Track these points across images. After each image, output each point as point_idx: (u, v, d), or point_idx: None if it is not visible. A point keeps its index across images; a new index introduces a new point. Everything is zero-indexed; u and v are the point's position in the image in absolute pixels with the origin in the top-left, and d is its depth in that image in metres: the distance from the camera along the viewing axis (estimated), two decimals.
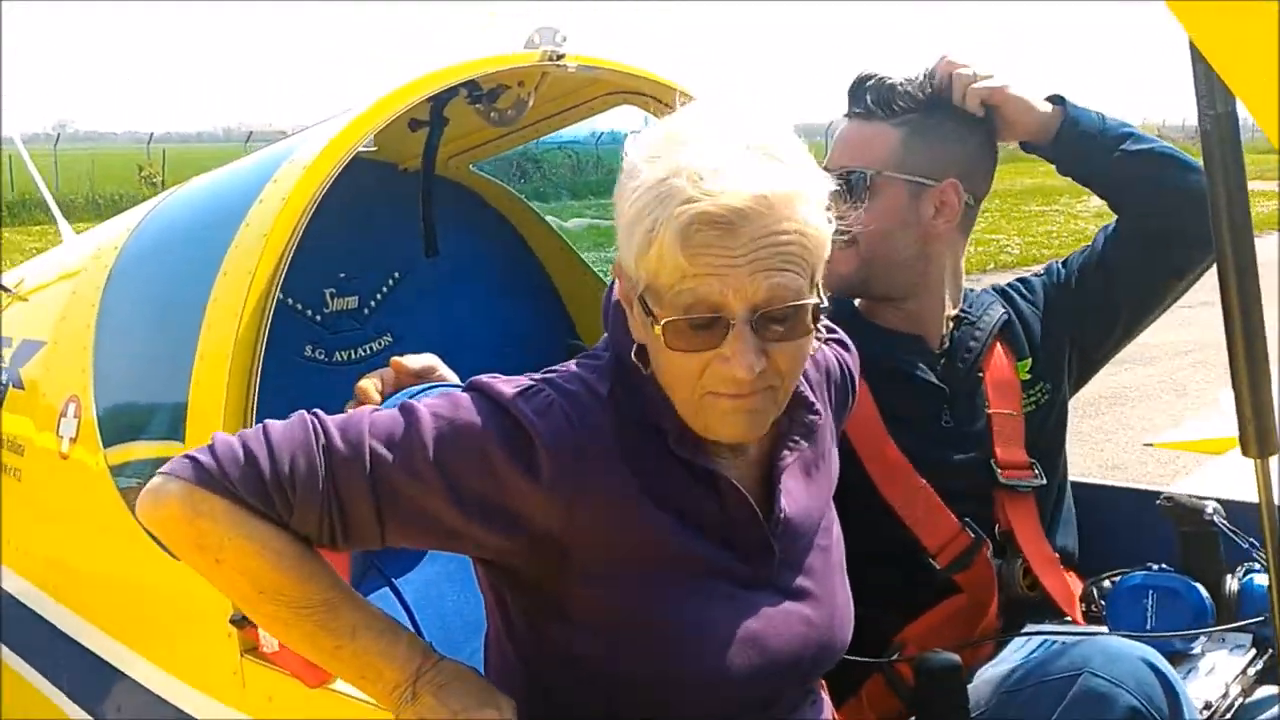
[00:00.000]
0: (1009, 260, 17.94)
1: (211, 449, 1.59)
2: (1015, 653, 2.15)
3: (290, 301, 2.96)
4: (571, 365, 1.73)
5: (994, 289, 2.59)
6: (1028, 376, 2.46)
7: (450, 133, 2.89)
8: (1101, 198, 2.51)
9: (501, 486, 1.61)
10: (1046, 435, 2.47)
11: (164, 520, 1.59)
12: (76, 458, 2.48)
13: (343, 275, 3.08)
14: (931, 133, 2.38)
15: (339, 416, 1.65)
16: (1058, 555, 2.39)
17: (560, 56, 2.50)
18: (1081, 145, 2.41)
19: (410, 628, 2.11)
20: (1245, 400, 1.05)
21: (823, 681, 1.87)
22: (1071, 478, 2.56)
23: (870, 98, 2.37)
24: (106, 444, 2.39)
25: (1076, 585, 2.41)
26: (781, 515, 1.73)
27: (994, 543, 2.33)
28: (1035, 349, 2.49)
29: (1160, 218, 2.38)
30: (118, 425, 2.41)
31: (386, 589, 2.09)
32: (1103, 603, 2.25)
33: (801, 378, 1.74)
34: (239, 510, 1.57)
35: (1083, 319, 2.53)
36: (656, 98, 2.70)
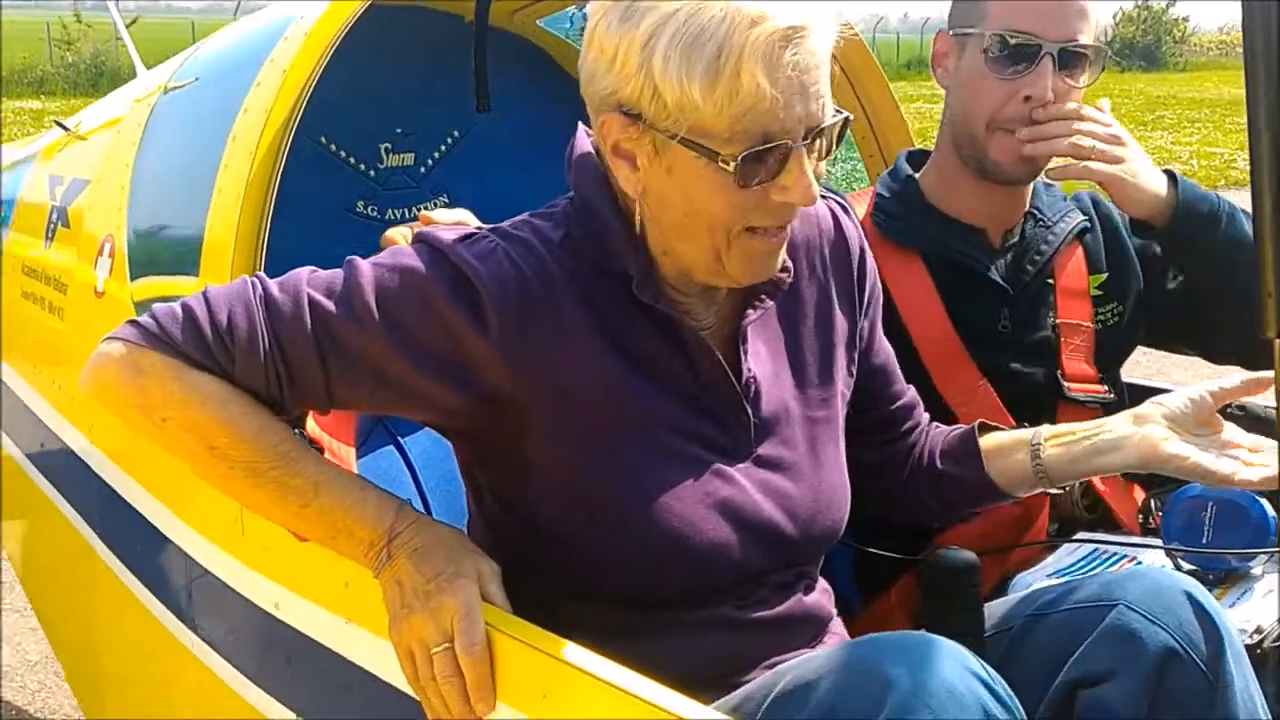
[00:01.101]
0: (1238, 177, 15.69)
1: (151, 313, 1.55)
2: (1056, 565, 2.02)
3: (343, 154, 2.88)
4: (524, 216, 1.63)
5: (1072, 194, 2.40)
6: (1099, 293, 2.26)
7: None
8: (1189, 277, 2.27)
9: (448, 335, 1.52)
10: (1113, 356, 2.28)
11: (107, 384, 1.55)
12: (109, 294, 2.46)
13: (400, 130, 2.98)
14: None
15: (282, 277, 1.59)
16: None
17: None
18: (1193, 228, 2.14)
19: (414, 486, 2.07)
20: (1270, 272, 0.90)
21: (818, 571, 1.76)
22: (1138, 380, 2.38)
23: None
24: (133, 278, 2.36)
25: (1140, 497, 2.26)
26: (751, 376, 1.62)
27: None
28: (1111, 266, 2.30)
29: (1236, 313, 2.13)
30: (143, 260, 2.38)
31: (391, 446, 2.04)
32: (1159, 514, 2.10)
33: None
34: (181, 365, 1.52)
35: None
36: None
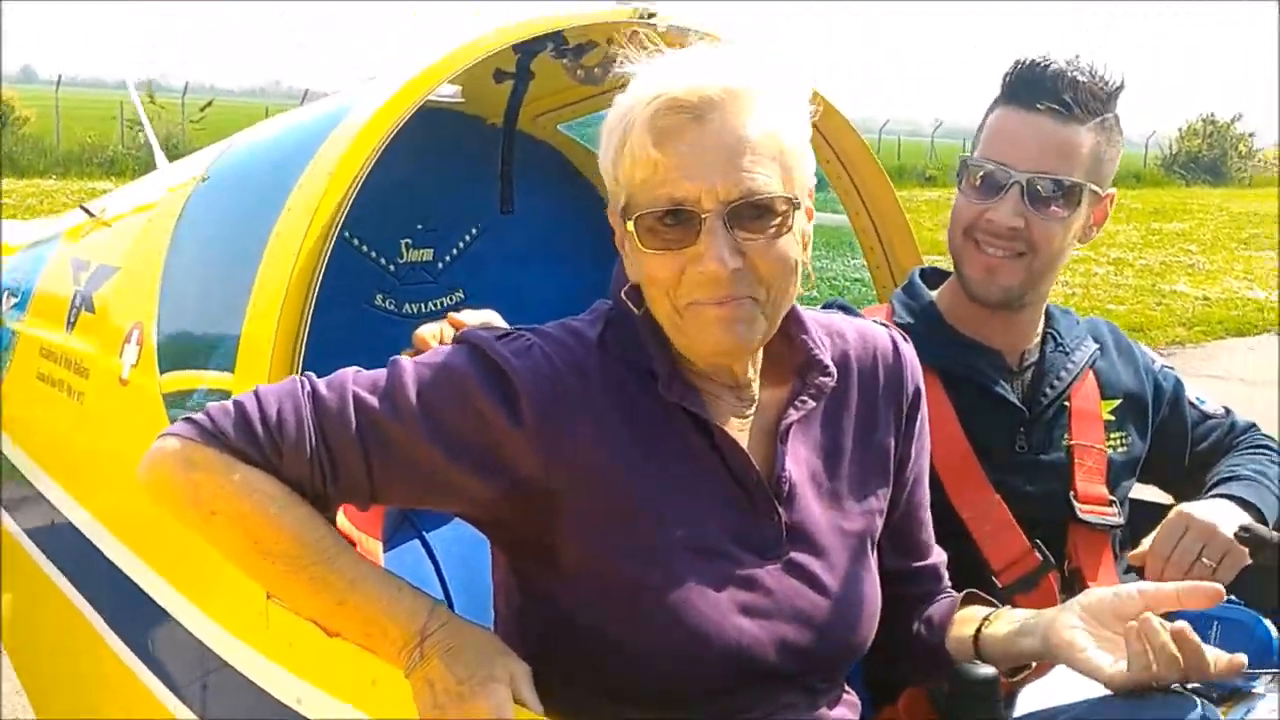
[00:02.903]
0: None
1: (205, 410, 1.61)
2: (1065, 687, 2.05)
3: (365, 248, 2.94)
4: (565, 319, 1.72)
5: (1085, 320, 2.48)
6: (1111, 418, 2.35)
7: (537, 89, 2.84)
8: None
9: (484, 429, 1.59)
10: (1122, 478, 2.36)
11: (160, 478, 1.60)
12: (134, 383, 2.49)
13: (420, 226, 3.06)
14: (1115, 136, 2.24)
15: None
16: None
17: (652, 15, 2.43)
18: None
19: (438, 582, 2.10)
20: None
21: (845, 685, 1.79)
22: (1149, 497, 2.44)
23: (1070, 94, 2.17)
24: (163, 370, 2.40)
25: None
26: (787, 478, 1.67)
27: (1062, 576, 2.23)
28: (1123, 395, 2.38)
29: None
30: (174, 353, 2.41)
31: (417, 541, 2.07)
32: None
33: (819, 341, 1.72)
34: (231, 459, 1.57)
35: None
36: None
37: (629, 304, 1.66)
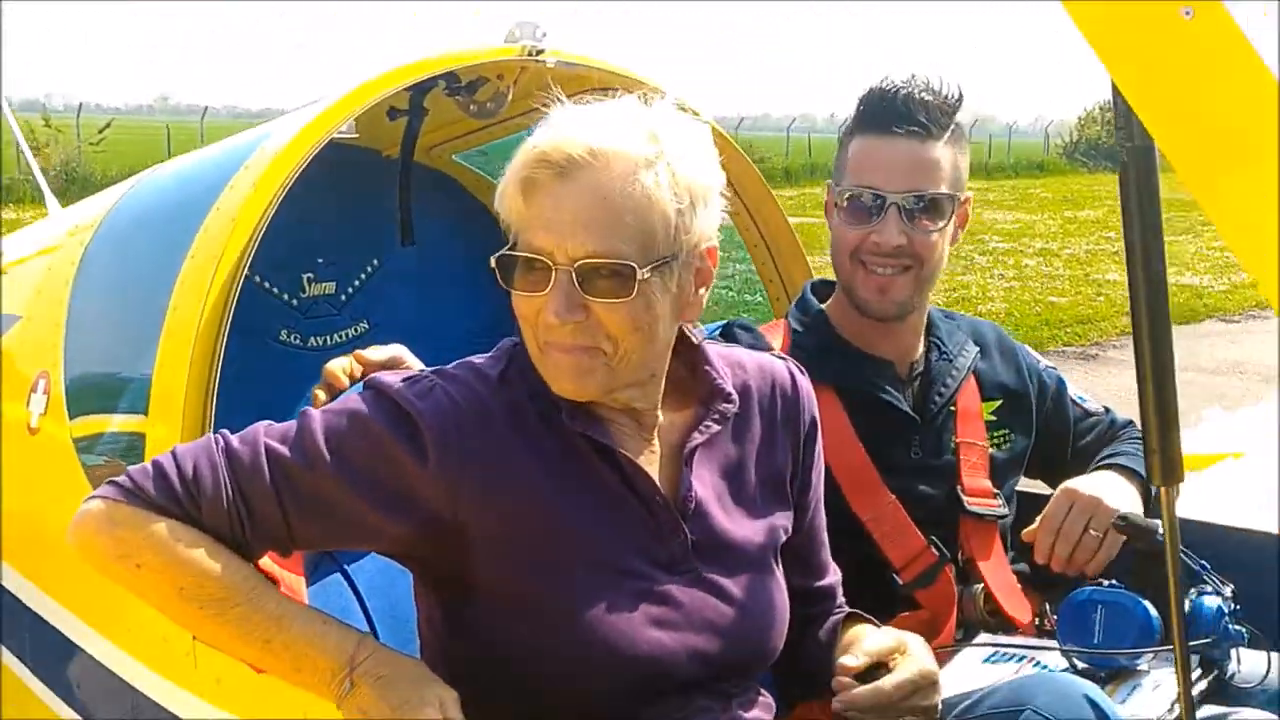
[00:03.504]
0: None
1: (127, 472, 1.69)
2: (962, 675, 2.16)
3: (266, 285, 2.96)
4: (467, 358, 1.81)
5: (963, 320, 2.62)
6: (993, 418, 2.49)
7: (431, 122, 2.90)
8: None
9: (392, 469, 1.67)
10: (1007, 474, 2.50)
11: (86, 537, 1.67)
12: (44, 431, 2.50)
13: (321, 260, 3.08)
14: (964, 143, 2.40)
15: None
16: (1017, 578, 2.41)
17: (540, 52, 2.51)
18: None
19: (361, 613, 2.15)
20: (1153, 431, 1.07)
21: (759, 688, 1.88)
22: (1033, 489, 2.58)
23: (923, 115, 2.30)
24: (72, 416, 2.42)
25: (1032, 604, 2.43)
26: (693, 497, 1.77)
27: (957, 568, 2.36)
28: (1005, 396, 2.52)
29: None
30: (84, 398, 2.44)
31: (338, 574, 2.12)
32: (1054, 617, 2.27)
33: (723, 371, 1.83)
34: (153, 515, 1.65)
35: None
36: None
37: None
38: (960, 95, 2.36)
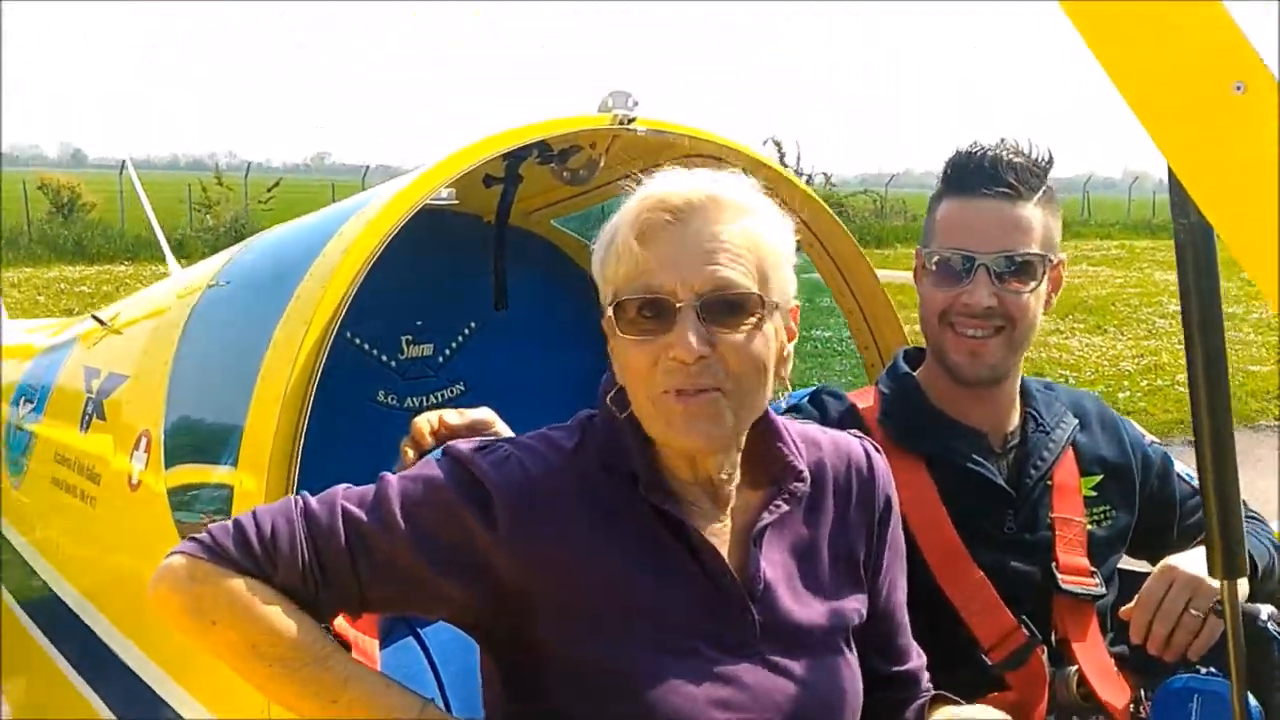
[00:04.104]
0: None
1: (208, 530, 1.72)
2: None
3: (366, 346, 3.03)
4: (542, 429, 1.81)
5: (1062, 391, 2.55)
6: (1093, 493, 2.41)
7: (527, 189, 2.94)
8: None
9: (463, 537, 1.68)
10: (1107, 552, 2.41)
11: (165, 593, 1.70)
12: (144, 485, 2.58)
13: (420, 322, 3.15)
14: (1055, 205, 2.36)
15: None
16: (1115, 660, 2.32)
17: (631, 120, 2.53)
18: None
19: (433, 677, 2.16)
20: (1214, 523, 1.02)
21: None
22: (1139, 568, 2.49)
23: (1013, 176, 2.28)
24: (168, 466, 2.49)
25: (1130, 689, 2.34)
26: (761, 577, 1.75)
27: (1049, 649, 2.28)
28: (1106, 471, 2.44)
29: None
30: (179, 451, 2.51)
31: (411, 638, 2.13)
32: (1149, 704, 2.18)
33: (796, 449, 1.81)
34: (230, 572, 1.68)
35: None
36: (726, 161, 2.71)
37: (613, 409, 1.75)
38: (1050, 158, 2.32)
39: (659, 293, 1.64)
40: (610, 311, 1.69)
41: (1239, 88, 0.89)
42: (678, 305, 1.63)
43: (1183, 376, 11.30)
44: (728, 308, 1.64)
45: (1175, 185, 1.02)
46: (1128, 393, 11.24)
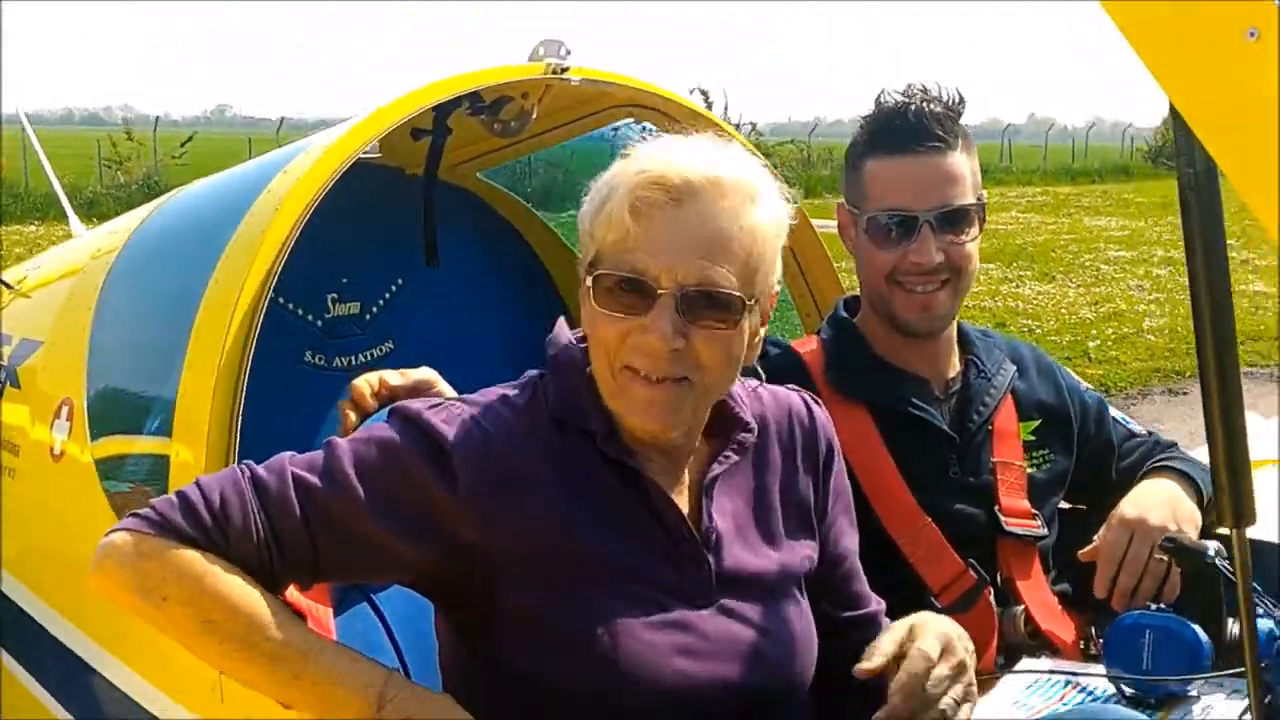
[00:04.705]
0: None
1: (150, 504, 1.65)
2: (1005, 704, 2.11)
3: (291, 306, 2.94)
4: (493, 387, 1.79)
5: (1000, 339, 2.57)
6: (1031, 438, 2.44)
7: (455, 141, 2.87)
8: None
9: (422, 497, 1.65)
10: (1046, 494, 2.44)
11: (109, 571, 1.63)
12: (68, 455, 2.48)
13: (345, 280, 3.06)
14: (971, 144, 2.36)
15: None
16: (1058, 599, 2.36)
17: (564, 69, 2.48)
18: None
19: (389, 644, 2.12)
20: (1222, 471, 1.02)
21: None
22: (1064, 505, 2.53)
23: (939, 128, 2.28)
24: (94, 438, 2.39)
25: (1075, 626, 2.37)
26: (713, 527, 1.75)
27: (995, 590, 2.30)
28: (1043, 415, 2.47)
29: None
30: (106, 420, 2.42)
31: (365, 604, 2.08)
32: (1100, 641, 2.22)
33: (741, 401, 1.81)
34: (179, 545, 1.61)
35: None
36: (662, 111, 2.68)
37: (575, 358, 1.73)
38: (962, 99, 2.34)
39: (643, 275, 1.61)
40: (589, 276, 1.65)
41: (1252, 34, 0.88)
42: (659, 292, 1.61)
43: (1149, 324, 11.76)
44: (709, 303, 1.63)
45: (1181, 131, 1.01)
46: (1097, 342, 11.27)
